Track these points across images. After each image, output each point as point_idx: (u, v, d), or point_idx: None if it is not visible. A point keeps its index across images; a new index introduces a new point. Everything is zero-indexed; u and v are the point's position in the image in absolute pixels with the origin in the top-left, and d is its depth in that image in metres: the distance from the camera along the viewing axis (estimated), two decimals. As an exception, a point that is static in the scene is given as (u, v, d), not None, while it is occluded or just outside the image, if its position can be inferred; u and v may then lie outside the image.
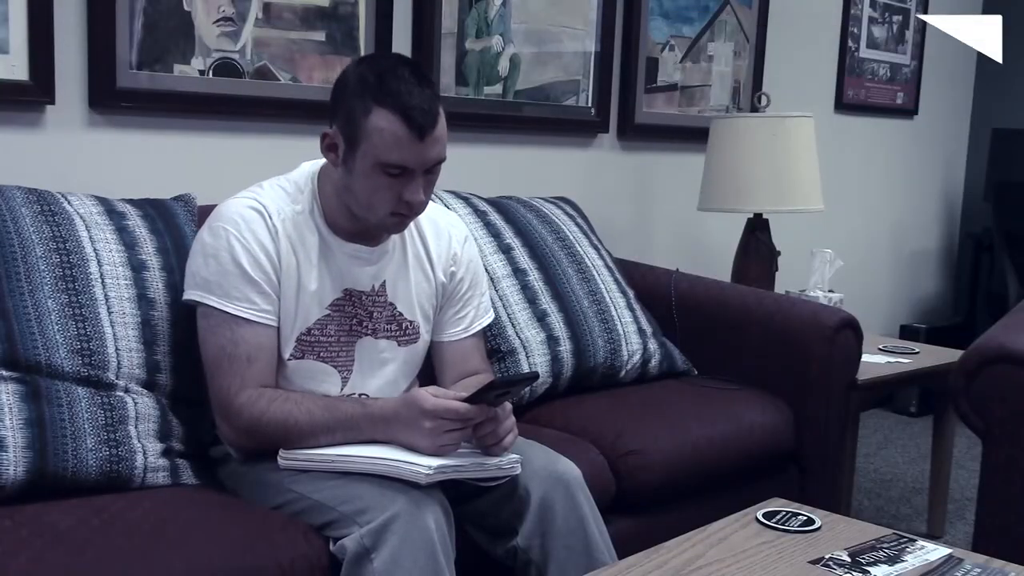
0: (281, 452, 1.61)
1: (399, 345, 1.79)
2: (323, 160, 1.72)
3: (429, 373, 1.90)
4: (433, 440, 1.54)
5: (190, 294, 1.67)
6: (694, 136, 3.27)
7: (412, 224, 1.80)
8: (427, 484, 1.50)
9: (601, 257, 2.52)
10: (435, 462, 1.51)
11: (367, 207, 1.64)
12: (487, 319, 1.92)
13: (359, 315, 1.74)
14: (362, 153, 1.59)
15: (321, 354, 1.71)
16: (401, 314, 1.78)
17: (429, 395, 1.55)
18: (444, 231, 1.85)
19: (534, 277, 2.32)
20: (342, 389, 1.74)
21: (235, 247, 1.63)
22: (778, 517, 1.63)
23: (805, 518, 1.63)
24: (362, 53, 2.45)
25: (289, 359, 1.69)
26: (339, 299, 1.71)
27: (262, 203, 1.67)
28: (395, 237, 1.77)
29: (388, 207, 1.63)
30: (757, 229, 2.93)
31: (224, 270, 1.63)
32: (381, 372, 1.78)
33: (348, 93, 1.61)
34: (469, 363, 1.87)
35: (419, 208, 1.66)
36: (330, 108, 1.66)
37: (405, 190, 1.61)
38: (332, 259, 1.70)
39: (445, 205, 2.28)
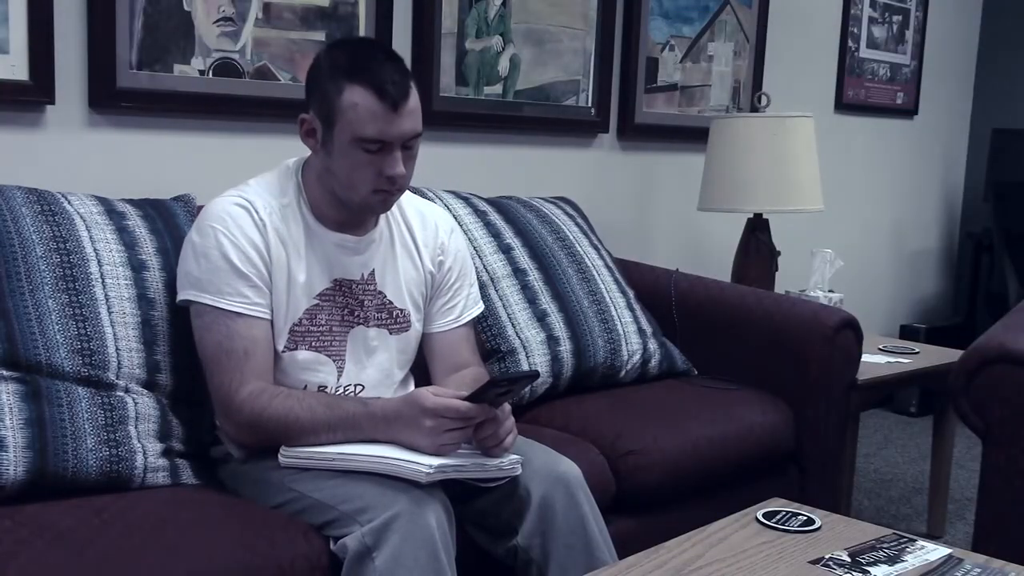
0: (282, 450, 1.61)
1: (390, 333, 1.80)
2: (306, 155, 1.74)
3: (425, 369, 1.90)
4: (434, 439, 1.54)
5: (183, 295, 1.68)
6: (694, 136, 3.27)
7: (398, 213, 1.81)
8: (427, 483, 1.50)
9: (601, 257, 2.52)
10: (435, 461, 1.51)
11: (349, 186, 1.65)
12: (477, 310, 1.93)
13: (350, 304, 1.75)
14: (339, 131, 1.61)
15: (313, 344, 1.71)
16: (391, 302, 1.79)
17: (430, 394, 1.56)
18: (431, 221, 1.86)
19: (534, 277, 2.32)
20: (338, 379, 1.74)
21: (224, 243, 1.64)
22: (778, 517, 1.63)
23: (805, 518, 1.63)
24: (362, 53, 2.45)
25: (283, 351, 1.70)
26: (328, 289, 1.72)
27: (248, 199, 1.68)
28: (382, 226, 1.78)
29: (370, 184, 1.64)
30: (757, 229, 2.93)
31: (214, 267, 1.64)
32: (373, 361, 1.78)
33: (321, 76, 1.63)
34: (460, 355, 1.87)
35: (401, 182, 1.66)
36: (305, 94, 1.68)
37: (385, 165, 1.62)
38: (320, 249, 1.71)
39: (445, 205, 2.28)
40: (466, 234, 2.24)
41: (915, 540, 1.58)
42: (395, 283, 1.80)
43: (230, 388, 1.62)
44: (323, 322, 1.72)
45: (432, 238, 1.85)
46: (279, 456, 1.61)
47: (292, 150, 2.37)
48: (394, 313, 1.80)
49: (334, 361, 1.74)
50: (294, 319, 1.70)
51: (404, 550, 1.43)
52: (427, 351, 1.88)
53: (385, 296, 1.79)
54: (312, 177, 1.72)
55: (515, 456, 1.62)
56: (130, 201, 1.87)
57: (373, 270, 1.77)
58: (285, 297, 1.68)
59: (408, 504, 1.46)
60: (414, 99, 1.63)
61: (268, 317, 1.67)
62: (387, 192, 1.66)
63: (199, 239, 1.66)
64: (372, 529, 1.45)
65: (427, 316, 1.87)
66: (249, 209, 1.67)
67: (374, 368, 1.78)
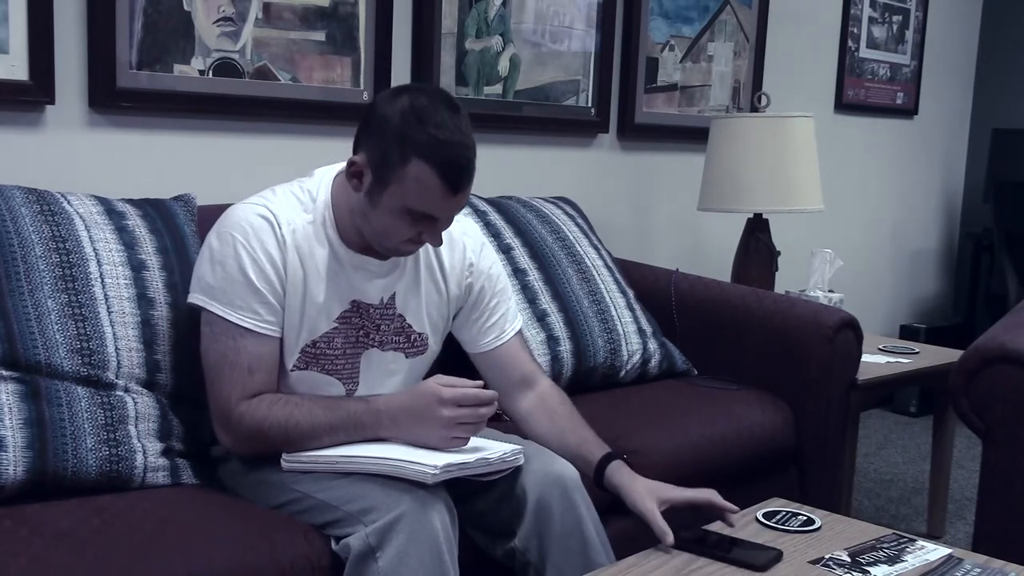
0: (284, 454, 1.60)
1: (406, 357, 1.77)
2: (337, 166, 1.71)
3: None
4: (448, 432, 1.54)
5: (194, 298, 1.65)
6: (694, 136, 3.27)
7: None
8: (432, 483, 1.50)
9: (601, 257, 2.52)
10: (441, 461, 1.50)
11: (382, 238, 1.62)
12: (517, 323, 1.88)
13: (366, 327, 1.71)
14: (391, 194, 1.57)
15: (326, 366, 1.70)
16: (410, 326, 1.76)
17: (442, 385, 1.55)
18: (458, 241, 1.81)
19: (534, 277, 2.32)
20: None
21: (241, 255, 1.61)
22: (778, 517, 1.63)
23: (805, 518, 1.63)
24: (362, 53, 2.45)
25: (292, 370, 1.67)
26: (346, 311, 1.69)
27: (272, 211, 1.64)
28: None
29: (403, 239, 1.61)
30: (757, 229, 2.93)
31: (230, 278, 1.61)
32: (387, 383, 1.75)
33: (388, 131, 1.56)
34: (521, 366, 1.83)
35: (435, 244, 1.65)
36: (361, 135, 1.61)
37: (426, 232, 1.60)
38: (341, 272, 1.68)
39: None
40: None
41: (915, 540, 1.58)
42: (416, 307, 1.76)
43: (229, 400, 1.60)
44: (338, 346, 1.69)
45: (460, 260, 1.80)
46: (282, 461, 1.60)
47: (292, 150, 2.38)
48: (412, 337, 1.77)
49: (344, 384, 1.72)
50: (307, 340, 1.67)
51: (408, 551, 1.43)
52: (485, 369, 1.83)
53: (405, 320, 1.75)
54: (344, 200, 1.66)
55: (516, 446, 1.62)
56: (130, 201, 1.87)
57: (394, 294, 1.73)
58: (299, 317, 1.65)
59: (413, 504, 1.46)
60: (474, 178, 1.60)
61: (278, 335, 1.64)
62: (417, 245, 1.64)
63: (218, 245, 1.63)
64: (376, 529, 1.45)
65: (470, 337, 1.83)
66: (272, 223, 1.63)
67: (387, 390, 1.74)
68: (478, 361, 1.85)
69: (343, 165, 1.70)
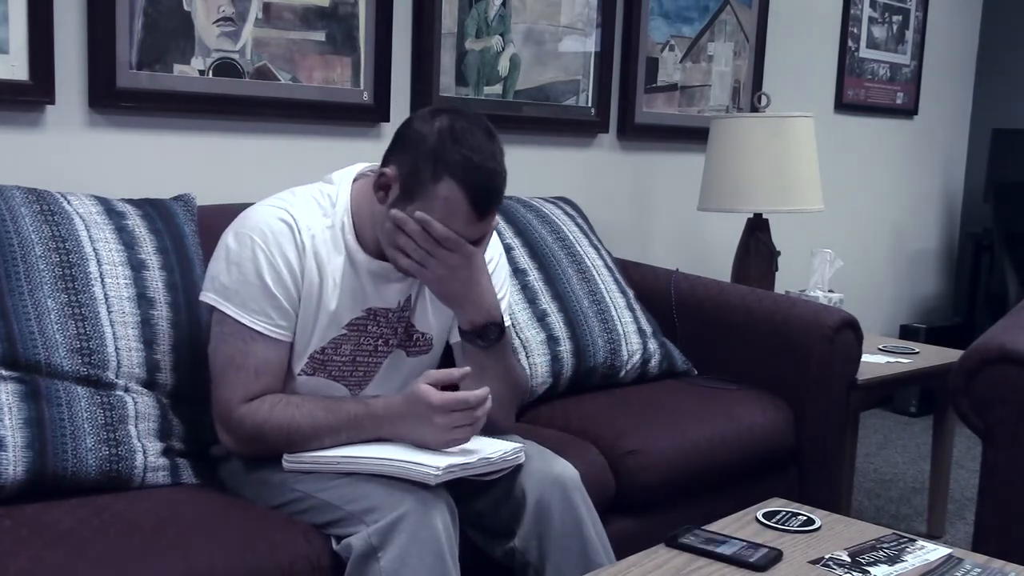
0: (286, 455, 1.60)
1: (407, 356, 1.77)
2: (354, 169, 1.70)
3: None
4: (444, 435, 1.54)
5: (207, 296, 1.64)
6: (694, 136, 3.27)
7: None
8: (435, 484, 1.50)
9: (601, 257, 2.52)
10: (443, 463, 1.51)
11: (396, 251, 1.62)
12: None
13: (384, 334, 1.71)
14: (415, 209, 1.56)
15: (333, 372, 1.69)
16: (413, 326, 1.76)
17: (434, 390, 1.55)
18: None
19: (534, 277, 2.32)
20: None
21: (259, 259, 1.59)
22: (778, 517, 1.63)
23: (805, 518, 1.63)
24: (362, 53, 2.45)
25: (299, 374, 1.67)
26: (359, 319, 1.68)
27: (292, 215, 1.63)
28: None
29: None
30: (757, 229, 2.93)
31: (245, 280, 1.60)
32: (389, 388, 1.74)
33: (422, 147, 1.55)
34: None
35: None
36: (393, 148, 1.61)
37: None
38: (357, 279, 1.67)
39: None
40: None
41: (915, 540, 1.58)
42: (423, 310, 1.75)
43: (231, 403, 1.60)
44: (347, 352, 1.69)
45: None
46: (283, 462, 1.60)
47: (292, 150, 2.38)
48: (414, 336, 1.76)
49: (352, 391, 1.72)
50: (317, 346, 1.66)
51: (410, 551, 1.43)
52: (461, 360, 1.80)
53: (410, 320, 1.75)
54: (364, 206, 1.65)
55: (517, 445, 1.62)
56: (130, 201, 1.87)
57: (410, 296, 1.73)
58: (311, 323, 1.65)
59: (415, 505, 1.46)
60: (499, 205, 1.60)
61: (289, 339, 1.64)
62: None
63: (235, 246, 1.61)
64: (378, 529, 1.45)
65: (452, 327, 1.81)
66: (292, 227, 1.62)
67: (389, 389, 1.74)
68: (455, 349, 1.80)
69: (360, 168, 1.70)
